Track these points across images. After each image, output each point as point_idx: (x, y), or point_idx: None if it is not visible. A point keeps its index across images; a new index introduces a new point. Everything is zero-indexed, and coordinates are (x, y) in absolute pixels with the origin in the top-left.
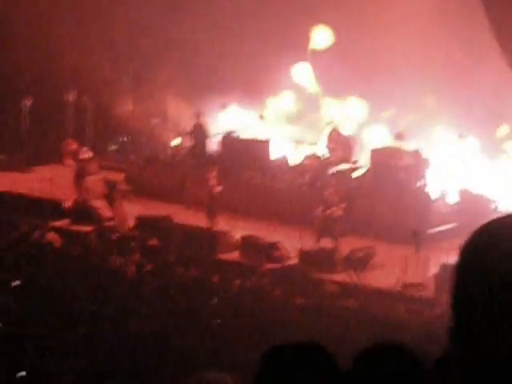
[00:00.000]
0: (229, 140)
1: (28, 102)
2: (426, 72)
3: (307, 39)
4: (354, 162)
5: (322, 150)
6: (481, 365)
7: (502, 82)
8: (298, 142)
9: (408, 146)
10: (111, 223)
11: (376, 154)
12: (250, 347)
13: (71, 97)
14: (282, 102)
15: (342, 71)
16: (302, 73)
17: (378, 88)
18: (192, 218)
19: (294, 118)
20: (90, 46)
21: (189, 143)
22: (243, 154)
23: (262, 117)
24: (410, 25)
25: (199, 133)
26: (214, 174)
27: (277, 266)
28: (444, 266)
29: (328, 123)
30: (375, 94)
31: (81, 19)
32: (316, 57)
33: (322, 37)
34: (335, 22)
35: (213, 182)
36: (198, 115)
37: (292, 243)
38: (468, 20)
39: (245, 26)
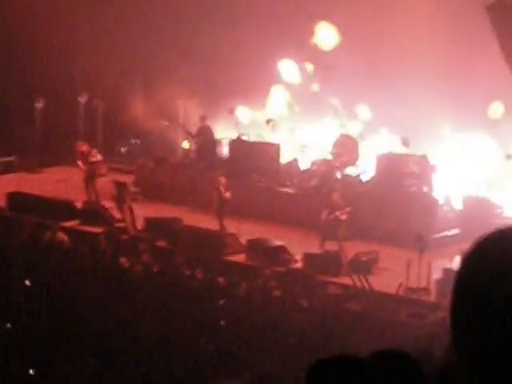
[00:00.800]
0: (237, 143)
1: (40, 104)
2: (429, 75)
3: (317, 43)
4: (360, 167)
5: (329, 154)
6: (477, 370)
7: (499, 81)
8: (304, 145)
9: (414, 151)
10: (121, 224)
11: (382, 159)
12: (256, 349)
13: (82, 99)
14: (285, 105)
15: (345, 73)
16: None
17: (383, 92)
18: (200, 220)
19: (300, 121)
20: (102, 50)
21: (194, 146)
22: (252, 157)
23: (269, 120)
24: (412, 29)
25: (205, 136)
26: (223, 176)
27: (282, 268)
28: (448, 271)
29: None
30: (381, 98)
31: (93, 23)
32: (324, 59)
33: (328, 38)
34: (342, 25)
35: (221, 184)
36: (202, 118)
37: (298, 246)
38: (467, 23)
39: (256, 30)
